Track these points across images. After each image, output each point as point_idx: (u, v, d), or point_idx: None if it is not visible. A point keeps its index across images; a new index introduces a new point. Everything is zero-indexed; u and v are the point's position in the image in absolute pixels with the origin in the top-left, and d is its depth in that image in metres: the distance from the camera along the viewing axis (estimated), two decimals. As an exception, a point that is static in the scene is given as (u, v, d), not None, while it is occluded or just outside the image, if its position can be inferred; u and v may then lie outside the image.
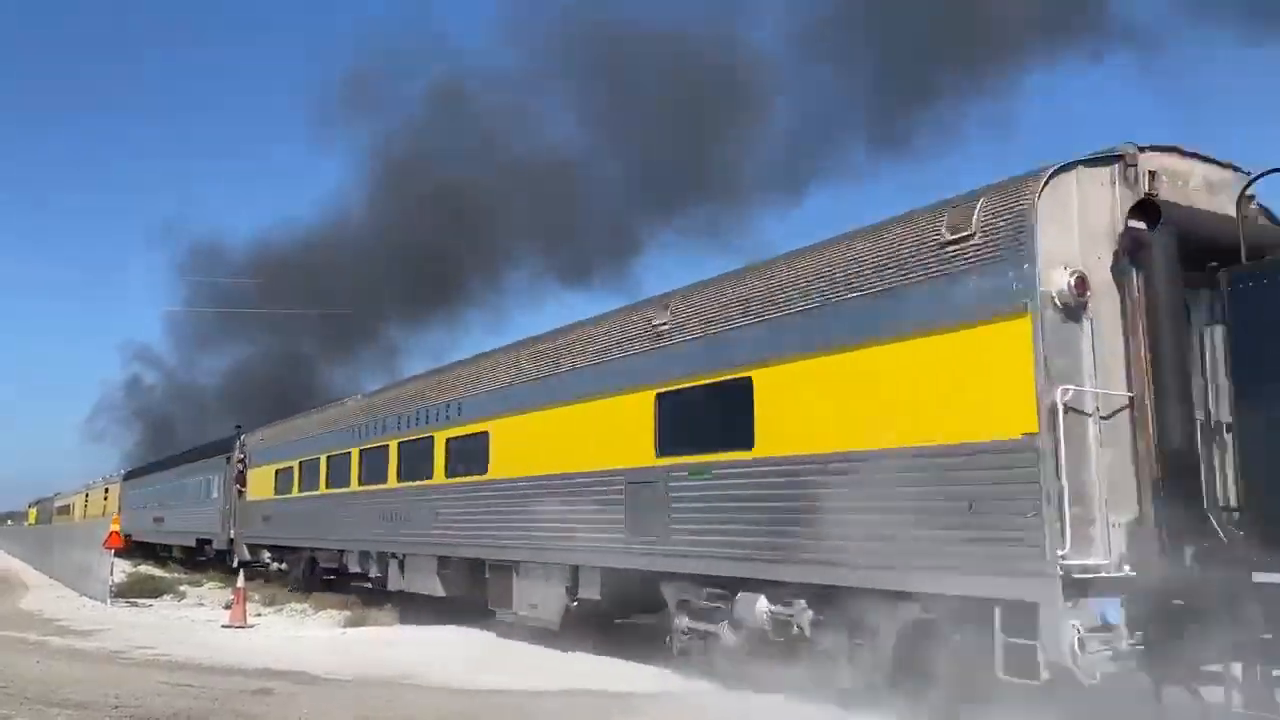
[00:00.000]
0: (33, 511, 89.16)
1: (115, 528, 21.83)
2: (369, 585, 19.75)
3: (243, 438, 27.77)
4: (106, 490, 51.53)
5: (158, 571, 31.28)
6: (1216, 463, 7.32)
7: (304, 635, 15.90)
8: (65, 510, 68.13)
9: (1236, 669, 6.91)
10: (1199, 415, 7.27)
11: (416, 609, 17.11)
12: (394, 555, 17.22)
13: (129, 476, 47.89)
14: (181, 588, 25.30)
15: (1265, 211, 8.33)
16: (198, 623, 17.77)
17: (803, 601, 8.86)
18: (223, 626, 16.86)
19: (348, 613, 18.02)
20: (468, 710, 9.37)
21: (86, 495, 59.06)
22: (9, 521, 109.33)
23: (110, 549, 21.65)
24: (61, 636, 15.64)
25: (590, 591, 11.80)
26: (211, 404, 75.22)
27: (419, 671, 11.64)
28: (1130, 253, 7.33)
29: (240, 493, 26.51)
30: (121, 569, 26.84)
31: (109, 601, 21.00)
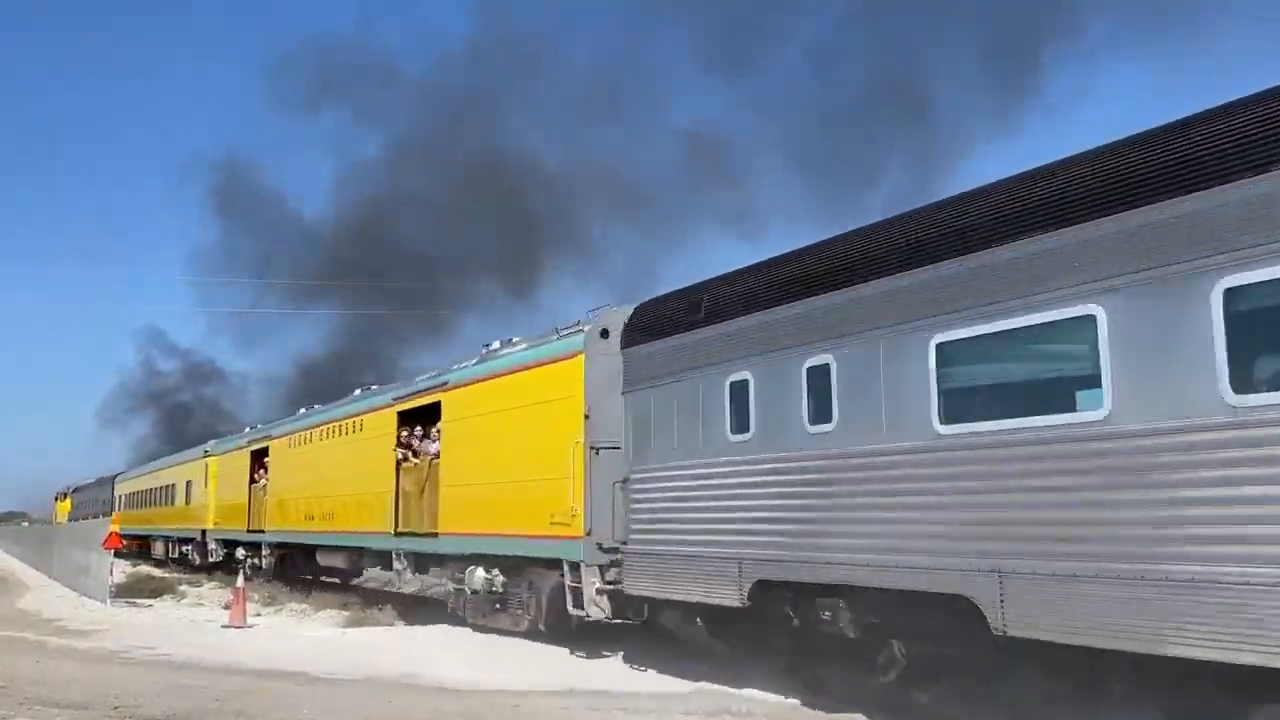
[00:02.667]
0: (63, 504, 62.00)
1: (114, 528, 21.80)
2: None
3: None
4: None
5: (157, 572, 31.26)
6: None
7: (303, 635, 15.89)
8: (159, 499, 37.98)
9: None
10: None
11: (416, 609, 17.11)
12: None
13: None
14: (181, 588, 25.29)
15: None
16: (197, 623, 17.76)
17: None
18: (222, 627, 16.85)
19: (347, 613, 18.02)
20: (467, 710, 9.36)
21: (268, 444, 24.77)
22: (24, 522, 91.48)
23: (110, 549, 21.64)
24: (61, 637, 15.64)
25: None
26: (248, 389, 72.33)
27: (418, 672, 11.63)
28: None
29: None
30: (121, 569, 26.82)
31: (108, 601, 20.99)
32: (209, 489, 29.50)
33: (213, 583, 26.35)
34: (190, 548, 31.89)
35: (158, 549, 38.47)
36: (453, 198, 62.68)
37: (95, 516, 43.67)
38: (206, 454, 30.80)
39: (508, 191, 58.31)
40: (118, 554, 39.01)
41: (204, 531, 29.80)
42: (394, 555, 16.81)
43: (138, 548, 41.31)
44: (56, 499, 65.25)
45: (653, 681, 10.84)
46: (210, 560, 29.03)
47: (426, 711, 9.33)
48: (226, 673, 11.59)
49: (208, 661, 12.62)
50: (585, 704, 9.56)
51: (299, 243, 76.83)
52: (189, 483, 32.72)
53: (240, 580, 18.44)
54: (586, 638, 12.67)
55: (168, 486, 36.54)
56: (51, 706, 9.19)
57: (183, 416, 73.97)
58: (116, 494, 49.33)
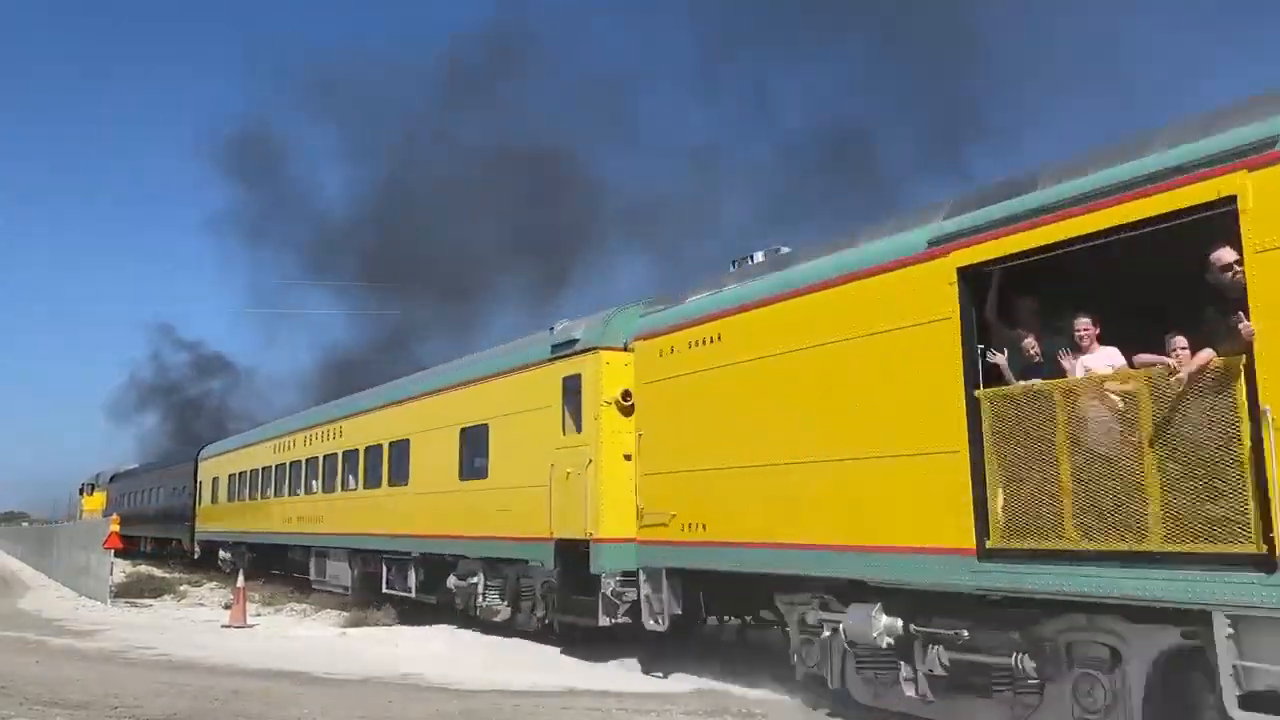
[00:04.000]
0: (92, 499, 49.06)
1: (115, 528, 21.80)
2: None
3: None
4: None
5: (158, 571, 31.24)
6: None
7: (304, 635, 15.90)
8: (339, 477, 20.18)
9: None
10: None
11: (415, 609, 17.10)
12: None
13: None
14: (181, 588, 25.30)
15: None
16: (198, 623, 17.77)
17: None
18: (223, 627, 16.86)
19: (347, 613, 18.01)
20: (467, 710, 9.37)
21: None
22: (24, 522, 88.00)
23: (110, 549, 21.64)
24: (61, 636, 15.64)
25: None
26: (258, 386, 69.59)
27: (418, 672, 11.64)
28: None
29: None
30: (121, 569, 26.82)
31: (109, 601, 20.99)
32: (595, 440, 11.94)
33: (212, 583, 26.36)
34: (473, 577, 14.77)
35: (332, 570, 20.77)
36: (475, 192, 62.64)
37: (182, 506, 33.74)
38: (556, 355, 12.85)
39: (529, 185, 58.19)
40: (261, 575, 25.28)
41: (550, 543, 12.52)
42: None
43: (251, 558, 25.85)
44: (81, 492, 52.23)
45: (653, 681, 10.85)
46: (611, 620, 11.58)
47: (426, 711, 9.33)
48: (227, 673, 11.59)
49: (208, 661, 12.63)
50: (586, 704, 9.57)
51: (314, 234, 76.59)
52: (469, 433, 15.16)
53: (241, 580, 18.45)
54: (586, 638, 12.67)
55: (374, 450, 18.75)
56: (52, 706, 9.19)
57: (193, 412, 72.83)
58: (201, 477, 32.76)
